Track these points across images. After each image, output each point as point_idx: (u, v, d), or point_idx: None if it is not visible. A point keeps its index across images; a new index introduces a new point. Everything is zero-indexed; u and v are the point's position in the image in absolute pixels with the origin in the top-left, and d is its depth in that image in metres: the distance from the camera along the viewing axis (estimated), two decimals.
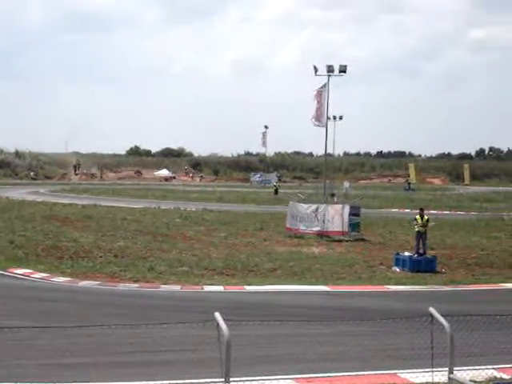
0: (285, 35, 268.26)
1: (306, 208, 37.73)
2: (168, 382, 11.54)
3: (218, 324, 8.73)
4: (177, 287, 22.18)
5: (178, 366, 12.62)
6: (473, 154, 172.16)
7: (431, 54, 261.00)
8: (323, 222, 36.59)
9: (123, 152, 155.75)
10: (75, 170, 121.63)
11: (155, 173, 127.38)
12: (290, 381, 11.89)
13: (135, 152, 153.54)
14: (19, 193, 69.56)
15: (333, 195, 57.97)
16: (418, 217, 29.91)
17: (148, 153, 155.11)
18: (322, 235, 36.59)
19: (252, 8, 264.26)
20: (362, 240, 36.33)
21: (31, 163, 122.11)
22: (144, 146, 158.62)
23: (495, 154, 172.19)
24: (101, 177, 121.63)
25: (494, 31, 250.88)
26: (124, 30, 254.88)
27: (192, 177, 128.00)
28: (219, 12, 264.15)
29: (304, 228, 37.35)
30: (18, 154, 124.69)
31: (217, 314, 8.83)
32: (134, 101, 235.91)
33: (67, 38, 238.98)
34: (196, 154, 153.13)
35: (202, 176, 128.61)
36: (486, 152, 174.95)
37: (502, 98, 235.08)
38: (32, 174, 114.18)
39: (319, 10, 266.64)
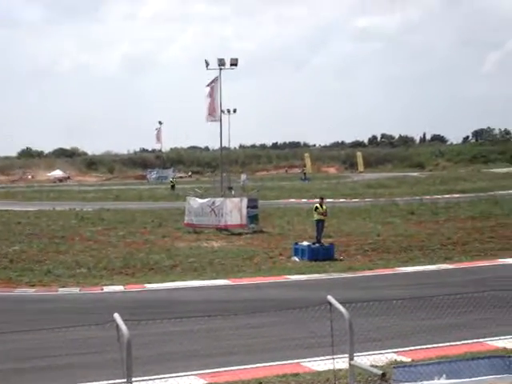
0: (172, 31, 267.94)
1: (204, 202, 37.66)
2: None
3: (117, 325, 8.58)
4: (75, 289, 21.73)
5: (79, 369, 12.40)
6: (366, 141, 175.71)
7: (318, 44, 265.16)
8: (221, 215, 36.60)
9: (14, 154, 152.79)
10: None
11: (48, 174, 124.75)
12: (193, 377, 11.85)
13: (27, 154, 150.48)
14: None
15: (230, 188, 58.09)
16: (318, 205, 30.27)
17: (40, 154, 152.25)
18: (221, 229, 36.62)
19: (135, 4, 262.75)
20: (261, 232, 36.55)
21: None
22: (36, 147, 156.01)
23: (387, 140, 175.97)
24: None
25: (377, 20, 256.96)
26: (3, 30, 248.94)
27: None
28: (101, 10, 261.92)
29: (202, 222, 37.30)
30: None
31: (116, 315, 8.67)
32: (22, 102, 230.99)
33: None
34: (90, 153, 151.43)
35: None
36: (379, 139, 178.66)
37: (390, 85, 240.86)
38: None
39: (204, 4, 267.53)
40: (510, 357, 10.28)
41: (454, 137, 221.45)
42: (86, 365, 12.56)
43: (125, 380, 8.50)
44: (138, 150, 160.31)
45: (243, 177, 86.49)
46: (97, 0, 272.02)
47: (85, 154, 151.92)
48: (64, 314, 17.66)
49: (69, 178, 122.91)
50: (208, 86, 45.81)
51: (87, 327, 10.57)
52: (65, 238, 34.68)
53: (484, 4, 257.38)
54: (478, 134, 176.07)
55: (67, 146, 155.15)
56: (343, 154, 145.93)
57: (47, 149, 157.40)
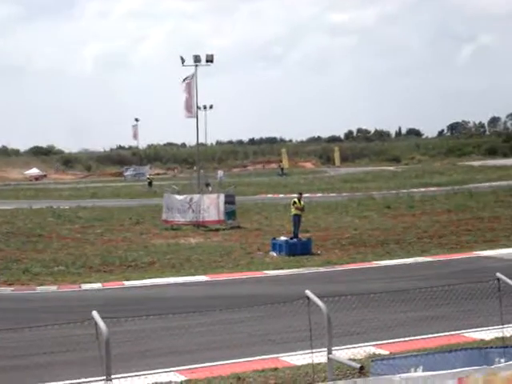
0: (147, 27, 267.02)
1: (181, 199, 37.68)
2: None
3: (95, 322, 8.57)
4: (53, 287, 21.68)
5: (59, 367, 12.40)
6: (342, 136, 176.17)
7: (294, 39, 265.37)
8: (199, 212, 36.62)
9: None
10: None
11: (25, 172, 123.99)
12: (172, 373, 11.86)
13: (3, 152, 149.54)
14: None
15: (207, 185, 58.10)
16: (296, 200, 30.30)
17: (16, 152, 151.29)
18: (199, 225, 36.62)
19: (108, 1, 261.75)
20: (239, 227, 36.60)
21: None
22: (12, 145, 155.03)
23: (363, 135, 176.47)
24: None
25: (352, 14, 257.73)
26: None
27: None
28: (75, 7, 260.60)
29: (180, 219, 37.29)
30: None
31: (94, 313, 8.64)
32: None
33: None
34: (66, 151, 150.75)
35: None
36: (355, 133, 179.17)
37: (366, 79, 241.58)
38: None
39: (178, 0, 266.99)
40: (486, 348, 10.37)
41: (430, 130, 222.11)
42: (66, 363, 12.54)
43: (104, 377, 8.49)
44: (114, 147, 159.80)
45: (220, 173, 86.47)
46: None
47: (61, 152, 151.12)
48: (42, 313, 17.62)
49: (45, 176, 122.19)
50: (184, 82, 45.76)
51: (66, 325, 10.54)
52: (42, 237, 34.50)
53: None
54: (452, 127, 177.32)
55: (43, 145, 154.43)
56: (320, 149, 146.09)
57: (23, 147, 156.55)
